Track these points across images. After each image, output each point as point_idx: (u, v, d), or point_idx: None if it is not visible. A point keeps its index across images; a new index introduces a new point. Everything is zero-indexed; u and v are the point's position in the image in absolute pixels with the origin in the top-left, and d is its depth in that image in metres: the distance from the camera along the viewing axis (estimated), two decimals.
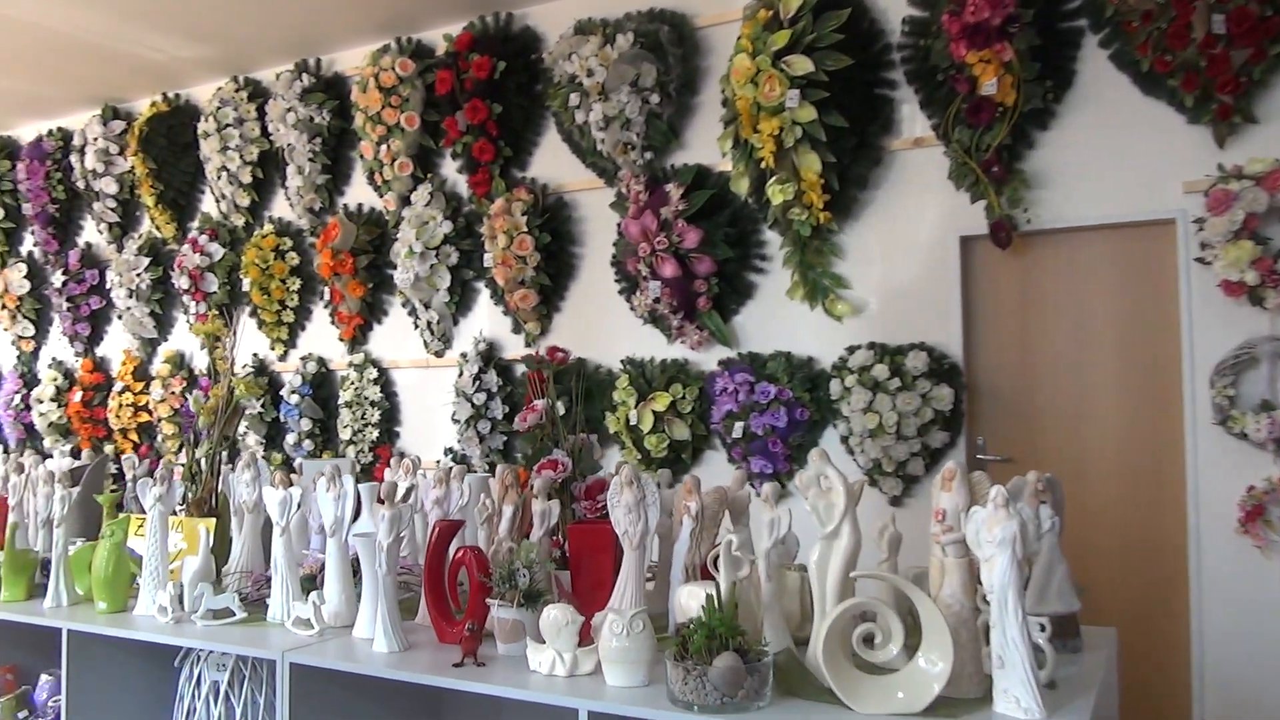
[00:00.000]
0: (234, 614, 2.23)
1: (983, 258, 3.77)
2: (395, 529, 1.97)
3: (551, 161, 4.69)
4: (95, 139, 6.02)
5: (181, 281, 5.64)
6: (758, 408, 3.94)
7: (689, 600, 1.80)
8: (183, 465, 2.69)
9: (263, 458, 5.31)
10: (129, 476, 2.97)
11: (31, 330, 6.53)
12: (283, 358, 5.48)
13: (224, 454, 2.76)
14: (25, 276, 6.48)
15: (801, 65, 3.65)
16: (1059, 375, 3.67)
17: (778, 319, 4.10)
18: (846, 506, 1.70)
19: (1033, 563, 1.93)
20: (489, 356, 4.74)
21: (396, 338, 5.14)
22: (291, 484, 2.26)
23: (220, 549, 2.64)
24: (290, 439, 5.26)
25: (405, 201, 4.97)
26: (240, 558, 2.53)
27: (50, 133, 6.42)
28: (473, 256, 4.80)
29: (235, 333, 2.77)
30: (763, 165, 3.86)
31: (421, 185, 4.91)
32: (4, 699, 2.47)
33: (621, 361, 4.39)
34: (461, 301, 4.90)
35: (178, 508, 2.73)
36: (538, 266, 4.53)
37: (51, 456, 5.44)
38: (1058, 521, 1.94)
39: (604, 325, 4.51)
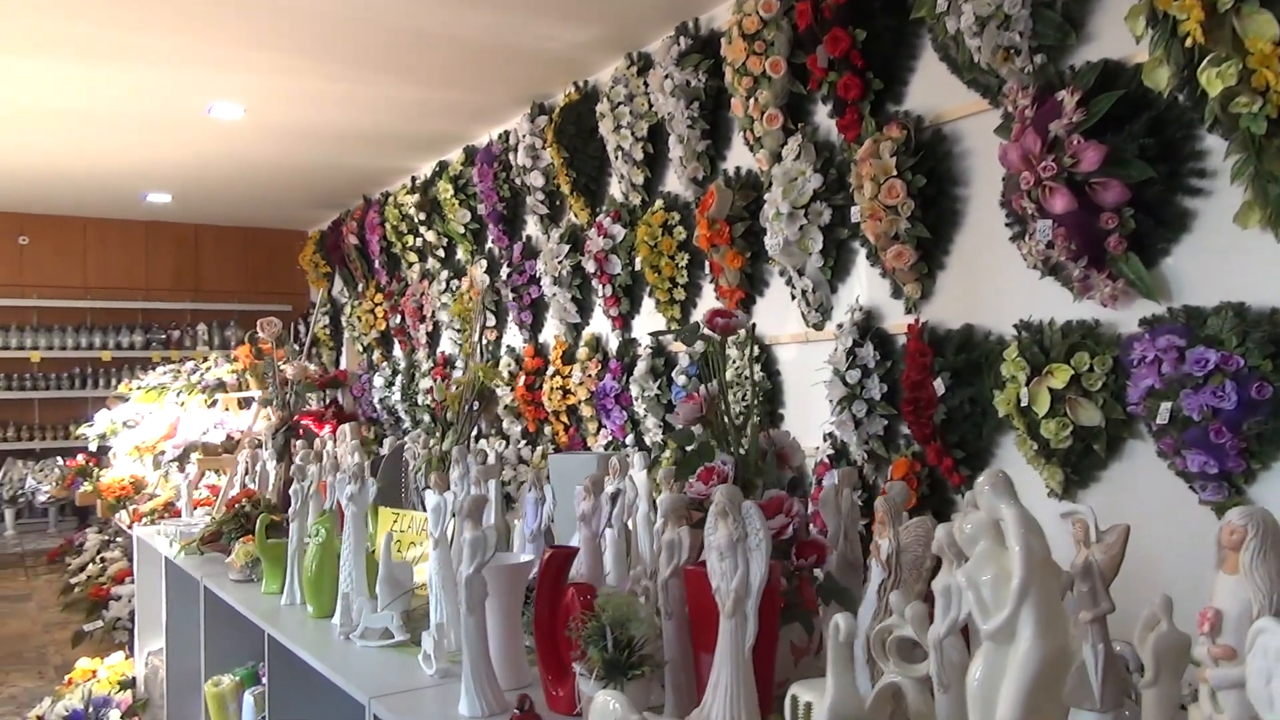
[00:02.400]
0: (393, 635, 1.97)
1: None
2: (478, 556, 1.54)
3: (930, 89, 3.88)
4: (524, 136, 6.37)
5: (589, 265, 5.72)
6: (1191, 382, 2.83)
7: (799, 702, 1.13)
8: (426, 456, 2.52)
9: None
10: (411, 465, 2.89)
11: (493, 320, 7.15)
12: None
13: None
14: (485, 271, 7.11)
15: None
16: None
17: (1227, 258, 2.91)
18: (1024, 583, 0.91)
19: None
20: (865, 327, 4.07)
21: (777, 310, 4.67)
22: (448, 487, 1.93)
23: None
24: None
25: (777, 158, 4.47)
26: None
27: (499, 136, 6.94)
28: (847, 213, 4.16)
29: (484, 314, 2.53)
30: (1189, 44, 2.74)
31: (792, 138, 4.38)
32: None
33: (1014, 326, 3.46)
34: (837, 265, 4.28)
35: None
36: (912, 216, 3.77)
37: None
38: None
39: (996, 282, 3.61)
